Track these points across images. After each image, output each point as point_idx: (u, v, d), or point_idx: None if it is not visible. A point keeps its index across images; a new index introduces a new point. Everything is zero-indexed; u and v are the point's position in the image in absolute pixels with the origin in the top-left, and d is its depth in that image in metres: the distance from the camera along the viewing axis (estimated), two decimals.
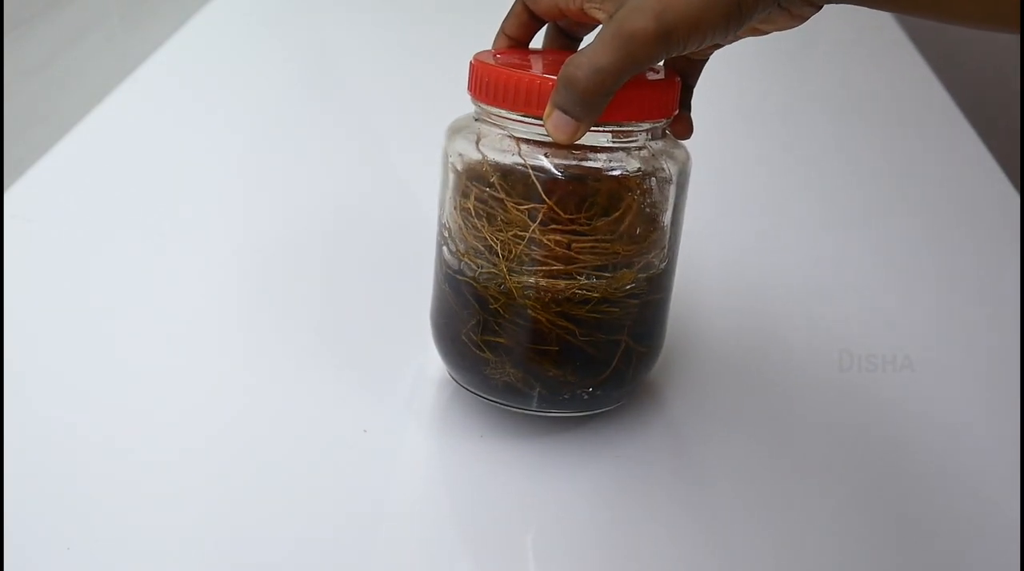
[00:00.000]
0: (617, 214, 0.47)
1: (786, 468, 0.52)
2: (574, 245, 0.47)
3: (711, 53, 0.48)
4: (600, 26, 0.46)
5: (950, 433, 0.55)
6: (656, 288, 0.50)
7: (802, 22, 0.44)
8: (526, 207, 0.46)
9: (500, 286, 0.48)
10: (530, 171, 0.46)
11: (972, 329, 0.64)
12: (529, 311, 0.48)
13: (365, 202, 0.76)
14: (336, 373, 0.56)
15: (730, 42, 0.44)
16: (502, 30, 0.50)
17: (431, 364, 0.57)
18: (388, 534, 0.47)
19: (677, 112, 0.49)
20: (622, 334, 0.50)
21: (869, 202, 0.81)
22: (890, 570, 0.46)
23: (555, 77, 0.43)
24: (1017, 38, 0.41)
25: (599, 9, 0.44)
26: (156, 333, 0.59)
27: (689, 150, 0.50)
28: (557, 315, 0.48)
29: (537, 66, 0.47)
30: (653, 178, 0.48)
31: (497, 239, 0.47)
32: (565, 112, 0.43)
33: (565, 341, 0.48)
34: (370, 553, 0.45)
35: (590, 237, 0.47)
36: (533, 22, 0.49)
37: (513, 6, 0.49)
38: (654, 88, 0.46)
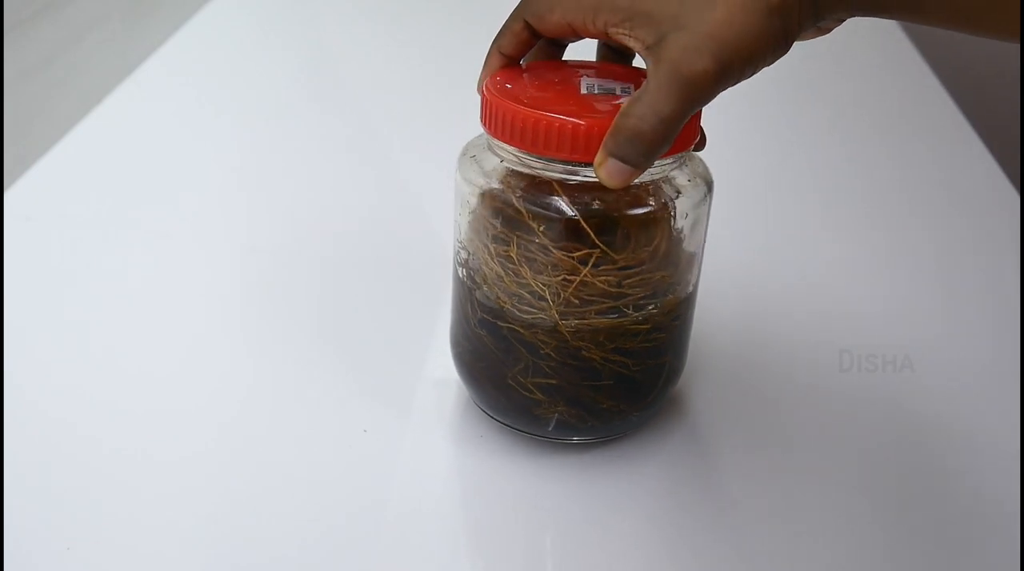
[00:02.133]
0: (656, 242, 0.46)
1: (787, 467, 0.52)
2: (625, 282, 0.46)
3: None
4: (602, 41, 0.45)
5: (951, 433, 0.55)
6: (690, 305, 0.51)
7: (827, 33, 0.45)
8: (579, 254, 0.45)
9: (550, 330, 0.47)
10: (578, 215, 0.44)
11: (972, 329, 0.64)
12: (583, 352, 0.47)
13: (368, 202, 0.76)
14: (335, 373, 0.56)
15: None
16: (497, 48, 0.47)
17: (430, 364, 0.57)
18: (388, 534, 0.47)
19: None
20: (666, 356, 0.50)
21: (870, 202, 0.81)
22: (891, 570, 0.46)
23: (582, 121, 0.42)
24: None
25: (629, 36, 0.42)
26: (157, 333, 0.59)
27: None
28: (612, 352, 0.47)
29: (553, 99, 0.44)
30: (686, 201, 0.47)
31: (544, 285, 0.46)
32: (623, 161, 0.41)
33: (619, 373, 0.48)
34: (370, 553, 0.45)
35: (636, 269, 0.46)
36: (533, 40, 0.47)
37: (510, 24, 0.47)
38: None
